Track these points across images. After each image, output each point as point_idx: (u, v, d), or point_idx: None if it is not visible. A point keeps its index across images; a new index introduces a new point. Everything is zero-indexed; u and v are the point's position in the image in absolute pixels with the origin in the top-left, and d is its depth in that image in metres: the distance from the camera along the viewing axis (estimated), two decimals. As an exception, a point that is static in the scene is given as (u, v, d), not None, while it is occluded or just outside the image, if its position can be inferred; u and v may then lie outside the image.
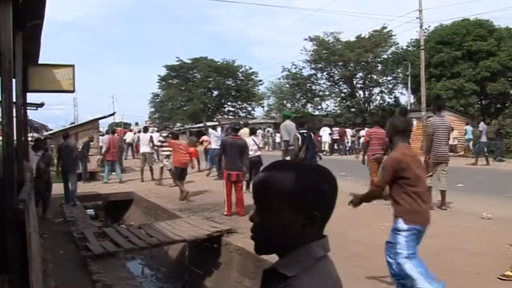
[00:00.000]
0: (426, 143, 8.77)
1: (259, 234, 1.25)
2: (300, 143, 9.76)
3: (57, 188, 11.69)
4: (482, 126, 21.28)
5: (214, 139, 16.96)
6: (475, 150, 21.09)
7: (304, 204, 1.21)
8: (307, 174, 1.25)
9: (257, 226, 1.25)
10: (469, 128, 25.70)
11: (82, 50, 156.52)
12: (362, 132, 24.70)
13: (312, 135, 10.42)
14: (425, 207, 4.62)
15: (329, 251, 1.30)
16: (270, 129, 36.30)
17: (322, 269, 1.26)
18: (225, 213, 9.66)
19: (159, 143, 16.67)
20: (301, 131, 10.08)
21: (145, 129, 18.53)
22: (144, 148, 16.61)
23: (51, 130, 26.42)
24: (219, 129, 18.01)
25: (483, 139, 20.35)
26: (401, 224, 4.51)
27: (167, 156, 14.90)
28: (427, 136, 8.87)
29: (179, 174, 11.99)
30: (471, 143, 25.05)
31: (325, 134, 28.73)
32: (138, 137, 20.27)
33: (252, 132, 13.54)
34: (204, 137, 21.23)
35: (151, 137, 16.82)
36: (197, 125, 48.50)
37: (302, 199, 1.21)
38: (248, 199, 11.17)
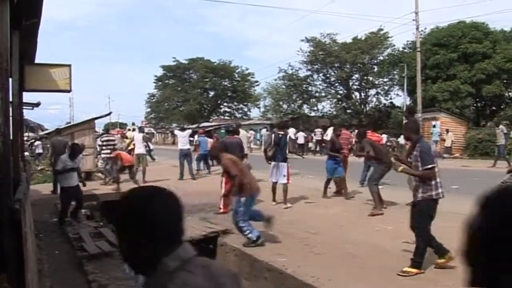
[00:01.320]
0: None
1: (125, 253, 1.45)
2: (272, 142, 10.50)
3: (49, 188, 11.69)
4: (501, 128, 20.27)
5: (181, 140, 16.75)
6: (497, 153, 20.16)
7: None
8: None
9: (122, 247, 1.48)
10: (436, 130, 25.92)
11: (79, 49, 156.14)
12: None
13: (288, 137, 11.12)
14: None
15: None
16: (264, 130, 36.31)
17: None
18: (222, 210, 9.89)
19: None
20: (278, 132, 10.64)
21: (140, 129, 18.44)
22: (139, 149, 16.46)
23: (47, 129, 26.39)
24: (187, 131, 17.71)
25: (502, 141, 19.75)
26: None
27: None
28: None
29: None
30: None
31: (317, 135, 29.89)
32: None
33: (235, 133, 13.45)
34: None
35: (143, 136, 16.78)
36: (193, 126, 48.47)
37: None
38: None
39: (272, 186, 10.52)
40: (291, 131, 24.28)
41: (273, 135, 10.80)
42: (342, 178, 11.41)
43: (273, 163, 10.38)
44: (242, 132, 15.10)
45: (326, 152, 11.58)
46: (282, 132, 10.64)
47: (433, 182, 5.65)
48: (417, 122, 6.20)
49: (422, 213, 5.73)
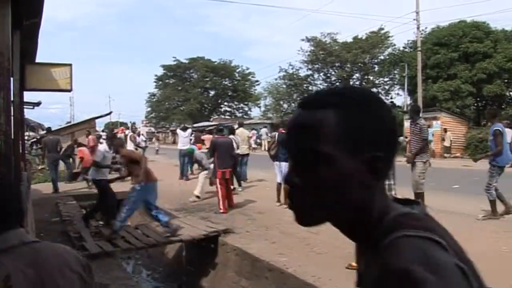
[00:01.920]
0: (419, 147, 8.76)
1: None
2: (275, 141, 10.46)
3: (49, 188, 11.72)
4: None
5: (181, 139, 16.72)
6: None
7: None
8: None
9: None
10: (430, 130, 25.90)
11: (80, 49, 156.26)
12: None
13: None
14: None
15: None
16: (266, 129, 36.30)
17: None
18: (222, 211, 9.90)
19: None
20: (282, 131, 10.57)
21: (132, 129, 18.42)
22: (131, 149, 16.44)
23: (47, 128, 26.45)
24: (188, 130, 17.60)
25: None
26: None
27: None
28: (425, 139, 8.82)
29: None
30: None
31: None
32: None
33: (231, 132, 13.44)
34: (205, 136, 20.88)
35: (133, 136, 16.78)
36: (194, 125, 48.51)
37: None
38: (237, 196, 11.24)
39: (277, 186, 10.47)
40: None
41: (276, 134, 10.77)
42: None
43: (276, 162, 10.34)
44: (243, 131, 15.14)
45: None
46: (286, 131, 10.54)
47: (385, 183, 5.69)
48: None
49: None
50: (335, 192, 0.90)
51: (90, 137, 17.68)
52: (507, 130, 20.53)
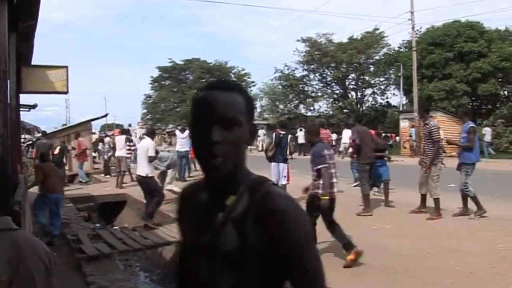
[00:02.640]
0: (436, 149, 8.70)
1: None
2: (272, 141, 10.42)
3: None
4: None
5: (179, 141, 16.54)
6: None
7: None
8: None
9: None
10: (413, 130, 26.07)
11: (76, 51, 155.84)
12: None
13: (289, 137, 11.16)
14: None
15: None
16: (263, 130, 36.22)
17: None
18: None
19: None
20: (280, 132, 10.49)
21: (123, 132, 18.20)
22: (119, 152, 16.28)
23: (44, 131, 26.39)
24: (187, 131, 17.47)
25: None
26: None
27: None
28: (437, 141, 8.73)
29: None
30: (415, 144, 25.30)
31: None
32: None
33: None
34: None
35: (126, 139, 16.63)
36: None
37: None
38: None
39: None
40: (301, 135, 23.73)
41: (273, 135, 10.69)
42: (386, 182, 10.40)
43: (273, 163, 10.27)
44: None
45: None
46: (283, 132, 10.48)
47: (331, 181, 6.32)
48: (317, 127, 7.14)
49: (308, 205, 6.34)
50: (241, 146, 1.32)
51: (79, 139, 17.51)
52: (487, 129, 21.04)
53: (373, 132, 10.92)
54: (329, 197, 6.25)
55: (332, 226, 6.35)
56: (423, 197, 9.10)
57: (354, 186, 13.20)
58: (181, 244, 1.48)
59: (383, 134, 21.96)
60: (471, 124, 8.90)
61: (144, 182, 9.30)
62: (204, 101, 1.32)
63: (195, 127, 1.33)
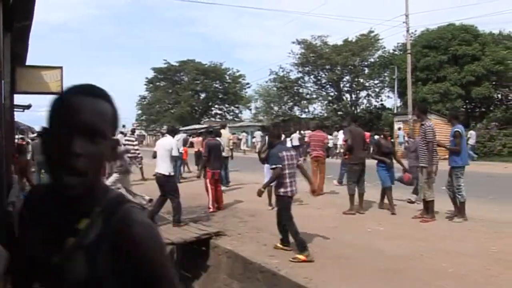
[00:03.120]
0: (430, 150, 8.68)
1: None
2: (266, 144, 10.15)
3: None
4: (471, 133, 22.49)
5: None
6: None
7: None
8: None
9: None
10: (401, 133, 26.21)
11: (71, 51, 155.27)
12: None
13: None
14: None
15: None
16: (260, 132, 36.17)
17: None
18: (211, 210, 10.23)
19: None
20: None
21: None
22: None
23: (37, 132, 26.32)
24: (180, 134, 17.20)
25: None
26: None
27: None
28: (430, 141, 8.69)
29: None
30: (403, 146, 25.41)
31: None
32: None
33: (218, 135, 13.28)
34: (195, 139, 20.56)
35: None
36: (183, 128, 48.48)
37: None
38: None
39: (268, 190, 10.40)
40: (295, 137, 23.75)
41: (266, 137, 10.70)
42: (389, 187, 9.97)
43: (266, 165, 10.25)
44: (225, 133, 15.12)
45: (371, 157, 10.44)
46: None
47: (286, 181, 6.69)
48: (279, 129, 8.03)
49: (283, 209, 6.80)
50: (103, 162, 1.23)
51: None
52: (472, 132, 21.41)
53: (367, 134, 10.92)
54: (290, 195, 6.78)
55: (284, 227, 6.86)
56: (427, 204, 9.04)
57: (336, 184, 13.35)
58: (22, 252, 1.29)
59: (376, 136, 22.05)
60: (456, 129, 8.96)
61: (166, 181, 9.20)
62: (69, 106, 1.18)
63: (51, 134, 1.18)
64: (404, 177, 10.26)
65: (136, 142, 17.37)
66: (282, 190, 6.73)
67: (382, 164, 9.96)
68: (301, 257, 6.32)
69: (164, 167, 9.12)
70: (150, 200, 10.42)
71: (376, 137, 18.39)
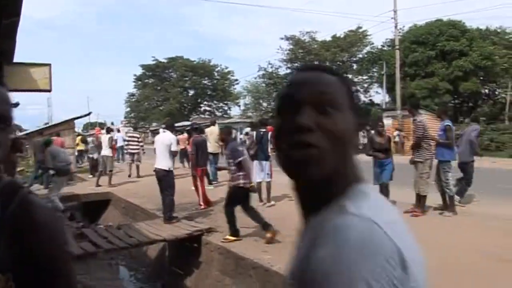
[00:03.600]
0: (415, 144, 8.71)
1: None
2: (254, 139, 10.55)
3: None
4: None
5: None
6: None
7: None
8: None
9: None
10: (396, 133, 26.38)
11: (57, 48, 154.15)
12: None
13: (270, 135, 10.67)
14: None
15: None
16: (248, 129, 36.07)
17: None
18: (203, 206, 10.31)
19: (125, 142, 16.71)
20: (260, 130, 10.54)
21: (108, 130, 17.82)
22: (105, 151, 15.99)
23: (25, 130, 26.14)
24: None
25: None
26: None
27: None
28: (418, 137, 8.68)
29: None
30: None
31: None
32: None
33: (201, 131, 13.15)
34: (180, 136, 20.28)
35: (110, 138, 16.37)
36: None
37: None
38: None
39: (257, 185, 10.40)
40: None
41: (254, 133, 10.69)
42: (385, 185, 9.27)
43: (255, 162, 10.25)
44: (213, 129, 15.14)
45: (367, 153, 9.61)
46: (263, 130, 10.46)
47: (241, 173, 7.28)
48: (230, 128, 8.66)
49: (232, 197, 7.44)
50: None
51: (59, 139, 17.06)
52: (476, 126, 21.41)
53: None
54: (247, 187, 7.38)
55: (250, 212, 7.45)
56: (420, 198, 9.05)
57: None
58: None
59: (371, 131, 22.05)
60: (447, 122, 9.02)
61: (165, 175, 9.18)
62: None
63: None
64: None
65: (140, 139, 17.42)
66: (241, 181, 7.31)
67: (378, 161, 9.26)
68: (231, 238, 7.32)
69: (164, 162, 9.13)
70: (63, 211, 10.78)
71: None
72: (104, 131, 18.24)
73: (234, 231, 7.42)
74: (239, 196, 7.39)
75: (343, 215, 0.86)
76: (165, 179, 9.12)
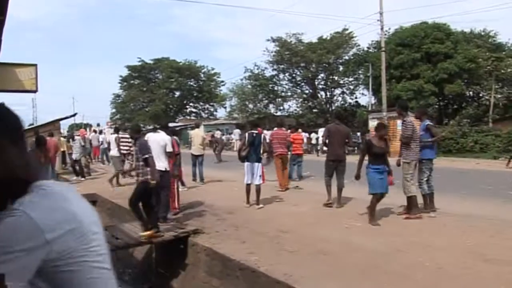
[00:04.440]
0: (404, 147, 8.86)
1: None
2: (246, 141, 10.36)
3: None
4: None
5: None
6: None
7: None
8: None
9: None
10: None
11: (41, 49, 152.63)
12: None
13: (262, 137, 10.63)
14: None
15: None
16: (238, 130, 35.98)
17: None
18: (178, 209, 10.08)
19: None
20: (252, 131, 10.48)
21: (116, 130, 17.69)
22: (113, 151, 15.93)
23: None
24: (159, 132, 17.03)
25: None
26: None
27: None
28: (407, 137, 8.77)
29: None
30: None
31: None
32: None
33: (174, 133, 13.00)
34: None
35: (118, 138, 16.32)
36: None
37: None
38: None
39: (246, 187, 10.32)
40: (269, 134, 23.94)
41: (246, 134, 10.61)
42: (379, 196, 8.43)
43: (246, 163, 10.19)
44: (198, 132, 15.12)
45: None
46: (255, 131, 10.45)
47: (148, 169, 7.68)
48: (137, 127, 9.01)
49: (138, 192, 7.80)
50: None
51: (52, 139, 16.86)
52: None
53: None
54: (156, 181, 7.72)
55: (148, 209, 7.83)
56: (409, 199, 9.08)
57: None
58: None
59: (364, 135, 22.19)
60: (428, 122, 9.28)
61: (162, 175, 9.12)
62: None
63: None
64: (388, 179, 8.60)
65: (130, 139, 17.22)
66: (149, 177, 7.68)
67: (374, 166, 8.38)
68: (148, 233, 7.63)
69: (160, 163, 9.10)
70: None
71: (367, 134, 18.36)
72: (112, 130, 18.24)
73: (147, 224, 7.74)
74: (147, 191, 7.75)
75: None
76: (162, 179, 9.09)
